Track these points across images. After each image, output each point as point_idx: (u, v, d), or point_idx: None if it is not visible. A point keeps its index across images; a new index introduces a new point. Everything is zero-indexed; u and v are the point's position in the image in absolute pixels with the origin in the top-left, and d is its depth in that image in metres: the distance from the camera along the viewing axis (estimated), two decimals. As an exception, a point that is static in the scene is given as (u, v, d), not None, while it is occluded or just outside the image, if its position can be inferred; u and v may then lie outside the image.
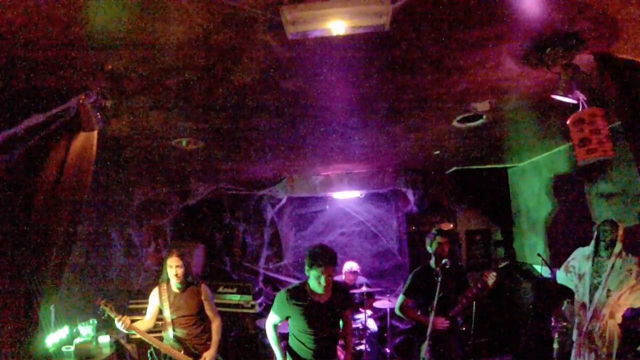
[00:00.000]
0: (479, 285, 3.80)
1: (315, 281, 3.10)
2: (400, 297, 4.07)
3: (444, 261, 3.82)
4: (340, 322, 3.50)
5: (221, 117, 3.09)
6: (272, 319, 3.39)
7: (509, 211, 6.84)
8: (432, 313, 3.60)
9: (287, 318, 3.30)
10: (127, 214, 5.85)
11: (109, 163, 4.69)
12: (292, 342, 3.35)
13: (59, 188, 2.57)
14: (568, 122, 2.54)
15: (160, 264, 6.09)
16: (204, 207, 7.05)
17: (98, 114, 2.51)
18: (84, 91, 2.44)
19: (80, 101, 2.43)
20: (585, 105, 2.53)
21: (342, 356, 4.82)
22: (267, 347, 5.50)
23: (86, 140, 2.62)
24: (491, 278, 3.76)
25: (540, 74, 2.65)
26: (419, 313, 4.03)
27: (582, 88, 2.46)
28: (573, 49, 2.30)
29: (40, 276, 2.50)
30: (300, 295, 3.22)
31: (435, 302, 3.64)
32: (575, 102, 2.51)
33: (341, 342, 3.70)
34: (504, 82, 2.75)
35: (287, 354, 3.36)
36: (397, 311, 4.11)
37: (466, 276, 4.14)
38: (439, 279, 3.76)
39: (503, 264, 3.93)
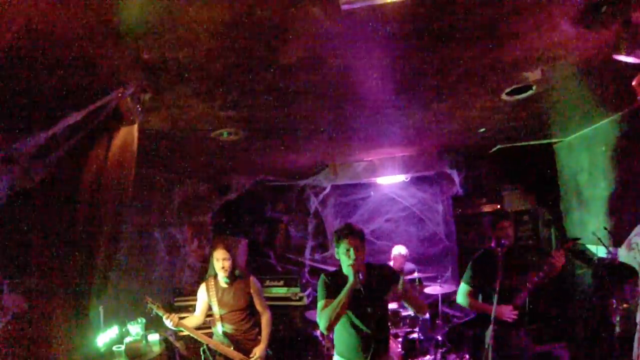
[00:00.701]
0: (545, 268, 3.52)
1: (345, 257, 2.87)
2: (462, 286, 3.87)
3: (502, 241, 3.59)
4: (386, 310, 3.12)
5: (264, 104, 3.00)
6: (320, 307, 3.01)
7: (557, 189, 6.54)
8: (495, 299, 3.41)
9: None
10: (168, 212, 5.86)
11: (148, 161, 4.72)
12: (336, 338, 3.10)
13: (103, 186, 2.56)
14: (634, 82, 2.43)
15: (204, 260, 6.17)
16: (244, 201, 7.06)
17: (138, 106, 2.47)
18: (122, 85, 2.40)
19: (119, 95, 2.39)
20: (652, 64, 2.36)
21: (394, 346, 4.74)
22: (316, 339, 5.46)
23: (127, 135, 2.59)
24: (559, 258, 3.45)
25: (596, 36, 2.45)
26: (481, 301, 3.83)
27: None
28: (630, 5, 2.15)
29: (89, 276, 2.50)
30: (337, 279, 2.95)
31: (497, 289, 3.45)
32: (638, 61, 2.33)
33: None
34: (558, 47, 2.57)
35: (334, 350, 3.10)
36: (459, 300, 3.91)
37: (538, 255, 3.81)
38: (502, 264, 3.58)
39: (572, 243, 3.60)
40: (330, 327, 2.84)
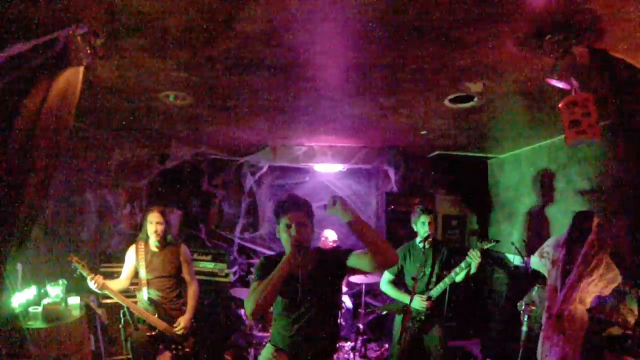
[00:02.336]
0: (462, 265, 3.83)
1: (285, 235, 2.48)
2: (385, 274, 4.13)
3: (427, 234, 3.91)
4: (335, 301, 2.75)
5: (217, 70, 2.98)
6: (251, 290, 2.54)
7: (486, 200, 6.97)
8: (415, 288, 3.66)
9: None
10: (103, 174, 5.65)
11: (88, 117, 4.51)
12: (273, 328, 2.69)
13: (37, 129, 2.34)
14: (560, 104, 2.59)
15: (135, 228, 5.99)
16: (182, 172, 6.93)
17: (87, 48, 2.34)
18: (76, 23, 2.27)
19: (71, 32, 2.27)
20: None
21: None
22: (240, 318, 5.49)
23: (71, 77, 2.42)
24: (475, 258, 3.72)
25: (536, 61, 2.70)
26: (402, 290, 4.11)
27: (576, 76, 2.51)
28: (571, 40, 2.35)
29: (7, 229, 2.30)
30: (277, 263, 2.44)
31: (418, 279, 3.70)
32: (568, 88, 2.57)
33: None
34: (501, 63, 2.78)
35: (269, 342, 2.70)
36: (382, 287, 4.17)
37: (450, 254, 4.13)
38: (426, 257, 3.91)
39: (488, 245, 3.79)
40: (256, 311, 2.35)
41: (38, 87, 2.35)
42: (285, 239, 2.51)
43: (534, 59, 2.67)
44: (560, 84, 2.54)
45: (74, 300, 3.99)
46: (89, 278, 3.47)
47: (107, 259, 5.27)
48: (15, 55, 2.21)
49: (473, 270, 3.78)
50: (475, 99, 3.52)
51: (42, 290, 3.93)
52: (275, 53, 2.66)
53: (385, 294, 4.26)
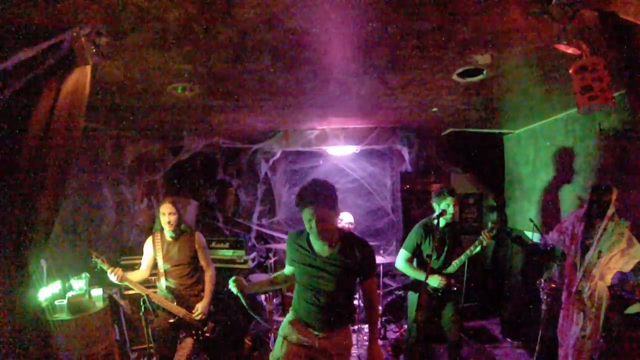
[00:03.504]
0: (475, 244, 4.00)
1: (308, 227, 2.62)
2: (402, 252, 4.15)
3: (448, 217, 4.02)
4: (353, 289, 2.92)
5: (220, 59, 2.99)
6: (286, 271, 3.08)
7: (502, 177, 6.88)
8: (429, 265, 3.68)
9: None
10: (119, 170, 5.77)
11: (100, 116, 4.59)
12: (295, 295, 2.96)
13: (50, 130, 2.43)
14: (570, 70, 2.51)
15: (153, 220, 6.09)
16: (197, 162, 7.00)
17: (92, 48, 2.40)
18: (78, 25, 2.32)
19: (74, 34, 2.32)
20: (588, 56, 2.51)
21: None
22: (259, 303, 5.57)
23: (79, 77, 2.47)
24: (485, 239, 3.94)
25: (544, 27, 2.58)
26: (418, 268, 4.15)
27: (586, 41, 2.43)
28: (578, 3, 2.26)
29: (30, 228, 2.39)
30: (302, 240, 2.80)
31: (434, 258, 3.73)
32: (578, 53, 2.49)
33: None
34: (508, 33, 2.68)
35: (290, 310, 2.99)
36: (397, 264, 4.20)
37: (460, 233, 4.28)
38: (444, 235, 4.04)
39: (492, 226, 4.04)
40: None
41: (48, 91, 2.41)
42: (307, 227, 2.64)
43: (541, 26, 2.57)
44: (569, 50, 2.46)
45: (97, 292, 4.13)
46: (108, 271, 3.62)
47: (127, 252, 5.39)
48: (23, 61, 2.25)
49: (483, 244, 3.97)
50: (485, 72, 3.43)
51: (67, 284, 4.08)
52: (277, 38, 2.65)
53: (401, 272, 4.29)
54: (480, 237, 3.94)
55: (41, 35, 2.31)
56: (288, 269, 3.04)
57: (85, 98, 2.56)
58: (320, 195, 2.56)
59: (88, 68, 2.50)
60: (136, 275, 3.91)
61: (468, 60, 3.18)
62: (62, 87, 2.44)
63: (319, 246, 2.74)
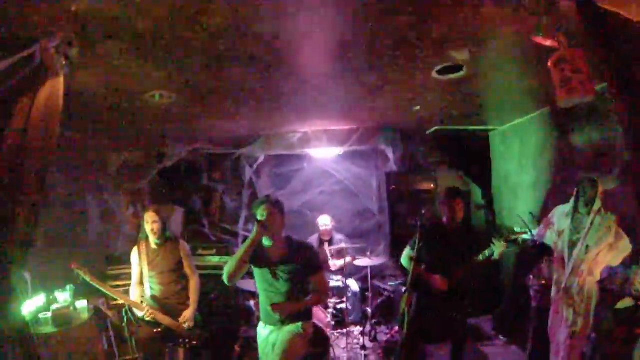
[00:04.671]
0: (486, 253, 3.82)
1: (259, 221, 3.05)
2: (407, 250, 4.04)
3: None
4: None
5: (194, 66, 2.97)
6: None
7: (490, 174, 6.86)
8: (414, 269, 3.66)
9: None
10: (103, 178, 5.71)
11: (80, 124, 4.54)
12: (261, 300, 3.32)
13: (25, 143, 2.41)
14: (549, 63, 2.48)
15: (140, 228, 6.02)
16: (181, 169, 6.94)
17: (62, 59, 2.39)
18: (47, 37, 2.31)
19: (42, 46, 2.30)
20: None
21: (322, 316, 4.87)
22: (248, 309, 5.51)
23: (52, 89, 2.46)
24: (499, 247, 3.75)
25: (520, 20, 2.54)
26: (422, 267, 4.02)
27: (564, 33, 2.40)
28: None
29: (9, 241, 2.37)
30: (258, 249, 3.12)
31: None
32: (556, 45, 2.46)
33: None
34: (484, 27, 2.64)
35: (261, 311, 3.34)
36: (403, 262, 4.12)
37: (476, 240, 4.07)
38: (450, 237, 3.93)
39: (515, 237, 3.97)
40: (231, 277, 3.08)
41: (22, 102, 2.38)
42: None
43: (517, 19, 2.52)
44: (547, 42, 2.43)
45: (82, 304, 4.08)
46: (91, 281, 3.64)
47: (114, 261, 5.31)
48: None
49: (495, 257, 3.80)
50: (464, 69, 3.41)
51: (51, 297, 4.01)
52: (248, 43, 2.63)
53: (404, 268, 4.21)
54: (494, 246, 3.77)
55: (11, 48, 2.29)
56: None
57: (59, 110, 2.54)
58: (271, 199, 3.15)
59: (60, 80, 2.49)
60: (135, 296, 3.91)
61: (446, 57, 3.14)
62: (36, 99, 2.41)
63: (271, 250, 3.15)
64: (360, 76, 3.49)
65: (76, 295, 4.10)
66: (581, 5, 2.29)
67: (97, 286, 3.66)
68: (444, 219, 4.01)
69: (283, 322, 3.16)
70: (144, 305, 3.82)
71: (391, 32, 2.62)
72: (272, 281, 3.13)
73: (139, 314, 3.81)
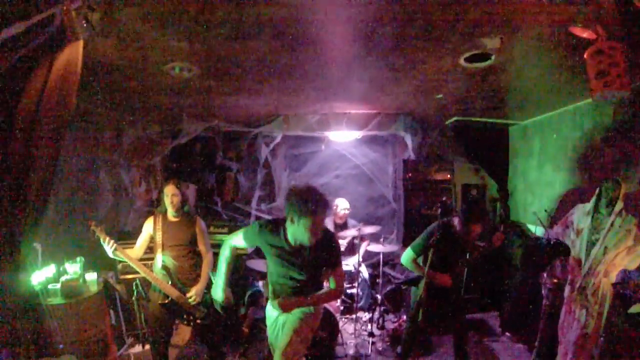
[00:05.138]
0: (485, 245, 3.95)
1: (302, 232, 2.73)
2: (410, 252, 4.02)
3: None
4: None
5: (218, 36, 2.88)
6: (235, 240, 3.16)
7: (506, 169, 6.76)
8: (430, 260, 3.65)
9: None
10: (116, 153, 5.70)
11: (97, 97, 4.50)
12: (271, 282, 3.15)
13: (42, 109, 2.35)
14: (586, 53, 2.42)
15: (151, 204, 6.05)
16: (196, 146, 6.91)
17: (83, 22, 2.30)
18: None
19: (64, 7, 2.22)
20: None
21: (334, 302, 4.86)
22: (258, 289, 5.51)
23: (71, 54, 2.38)
24: (498, 240, 3.87)
25: (557, 10, 2.45)
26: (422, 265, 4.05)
27: (602, 25, 2.32)
28: None
29: (21, 210, 2.34)
30: (277, 235, 2.90)
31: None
32: (593, 37, 2.39)
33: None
34: (519, 14, 2.56)
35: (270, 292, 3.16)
36: (403, 261, 4.11)
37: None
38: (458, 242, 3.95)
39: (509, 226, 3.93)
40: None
41: (40, 67, 2.33)
42: (296, 229, 2.75)
43: (554, 8, 2.44)
44: (584, 34, 2.36)
45: (92, 277, 4.08)
46: (103, 241, 3.60)
47: (124, 237, 5.31)
48: (14, 36, 2.17)
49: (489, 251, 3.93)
50: (493, 57, 3.31)
51: (61, 268, 4.02)
52: (277, 14, 2.54)
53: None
54: (489, 242, 3.89)
55: (32, 10, 2.21)
56: (243, 244, 3.12)
57: (78, 75, 2.46)
58: (319, 210, 2.68)
59: (80, 44, 2.41)
60: (130, 253, 3.85)
61: (476, 44, 3.05)
62: (54, 64, 2.35)
63: (295, 241, 2.86)
64: (388, 57, 3.39)
65: (86, 268, 4.11)
66: (619, 0, 2.24)
67: (110, 248, 3.59)
68: (457, 228, 3.94)
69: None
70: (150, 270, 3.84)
71: (425, 11, 2.53)
72: (288, 267, 2.95)
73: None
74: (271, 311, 3.20)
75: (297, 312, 3.05)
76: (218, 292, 3.19)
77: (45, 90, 2.35)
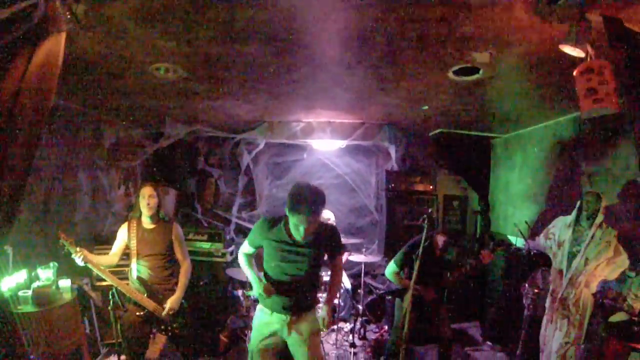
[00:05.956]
0: (473, 264, 4.08)
1: (294, 228, 2.80)
2: (392, 266, 4.17)
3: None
4: (320, 268, 3.29)
5: (207, 38, 2.82)
6: (243, 249, 3.18)
7: (488, 181, 6.84)
8: (415, 271, 3.63)
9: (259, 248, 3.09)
10: (96, 154, 5.54)
11: (78, 95, 4.36)
12: (269, 281, 3.06)
13: (18, 103, 2.23)
14: (575, 72, 2.44)
15: (130, 208, 5.87)
16: (177, 151, 6.81)
17: (68, 13, 2.22)
18: None
19: None
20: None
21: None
22: (236, 297, 5.42)
23: (52, 46, 2.28)
24: (487, 258, 4.02)
25: (547, 28, 2.52)
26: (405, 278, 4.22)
27: (592, 44, 2.35)
28: (586, 5, 2.22)
29: None
30: (278, 229, 2.91)
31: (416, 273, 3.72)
32: (583, 55, 2.41)
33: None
34: (510, 32, 2.61)
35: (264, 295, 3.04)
36: (386, 274, 4.27)
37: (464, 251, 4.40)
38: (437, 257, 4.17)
39: (499, 248, 4.21)
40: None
41: (18, 58, 2.22)
42: (292, 229, 2.82)
43: (545, 27, 2.50)
44: (574, 52, 2.38)
45: (65, 283, 3.89)
46: (73, 254, 3.40)
47: (101, 241, 5.17)
48: None
49: (479, 267, 4.10)
50: (481, 71, 3.35)
51: (33, 274, 3.81)
52: (268, 18, 2.50)
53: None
54: (481, 257, 4.06)
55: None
56: (250, 249, 3.14)
57: (58, 69, 2.36)
58: (315, 206, 2.67)
59: (62, 36, 2.32)
60: (104, 259, 3.69)
61: (466, 58, 3.08)
62: (34, 55, 2.25)
63: (297, 235, 2.85)
64: (377, 68, 3.38)
65: (60, 274, 3.91)
66: (608, 21, 2.30)
67: (80, 260, 3.41)
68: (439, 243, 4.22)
69: (294, 312, 3.01)
70: (125, 283, 3.67)
71: (418, 23, 2.53)
72: (288, 261, 2.91)
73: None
74: (266, 316, 3.08)
75: (311, 322, 3.06)
76: (258, 289, 3.03)
77: (23, 83, 2.23)
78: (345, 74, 3.57)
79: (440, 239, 4.17)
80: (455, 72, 3.41)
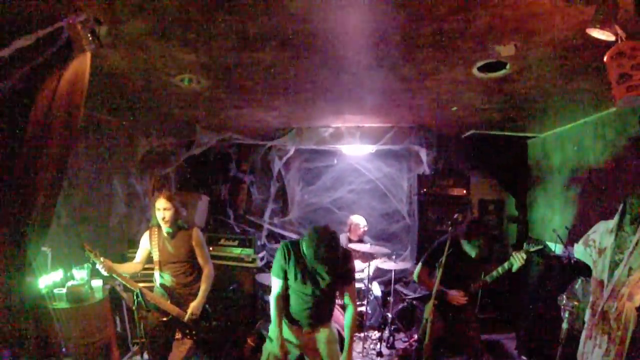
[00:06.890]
0: (505, 266, 3.73)
1: (310, 261, 2.98)
2: (419, 266, 3.96)
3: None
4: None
5: (224, 48, 2.86)
6: (273, 289, 3.19)
7: (525, 184, 6.56)
8: (438, 278, 3.52)
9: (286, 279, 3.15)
10: (130, 162, 5.76)
11: (111, 105, 4.54)
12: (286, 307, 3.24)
13: (50, 118, 2.44)
14: (606, 57, 2.27)
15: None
16: (210, 158, 6.93)
17: (89, 36, 2.36)
18: (75, 12, 2.30)
19: (70, 21, 2.30)
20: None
21: (341, 318, 4.75)
22: (266, 302, 5.43)
23: (79, 66, 2.47)
24: (518, 260, 3.65)
25: (574, 13, 2.35)
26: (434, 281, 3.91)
27: (622, 25, 2.17)
28: None
29: (28, 215, 2.42)
30: (298, 253, 3.09)
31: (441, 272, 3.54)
32: (613, 38, 2.23)
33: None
34: (533, 19, 2.44)
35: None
36: (415, 278, 4.04)
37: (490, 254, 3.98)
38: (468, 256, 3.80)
39: (535, 248, 3.73)
40: None
41: (49, 78, 2.42)
42: (314, 266, 3.00)
43: (570, 10, 2.32)
44: (603, 35, 2.20)
45: (97, 283, 4.11)
46: (98, 264, 3.50)
47: (134, 245, 5.31)
48: (21, 50, 2.29)
49: (514, 270, 3.70)
50: (508, 66, 3.21)
51: (69, 274, 4.06)
52: (280, 24, 2.50)
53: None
54: (512, 259, 3.67)
55: (38, 24, 2.31)
56: (278, 284, 3.16)
57: (85, 86, 2.56)
58: (326, 258, 2.86)
59: (87, 56, 2.50)
60: (128, 268, 3.79)
61: (490, 52, 2.95)
62: (62, 76, 2.44)
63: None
64: (397, 67, 3.31)
65: (93, 275, 4.08)
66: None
67: (105, 272, 3.53)
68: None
69: (314, 326, 3.20)
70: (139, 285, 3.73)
71: (430, 19, 2.45)
72: (305, 284, 3.09)
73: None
74: (286, 328, 3.23)
75: (329, 336, 3.23)
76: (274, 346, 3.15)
77: (54, 101, 2.43)
78: (365, 76, 3.53)
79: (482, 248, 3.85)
80: (481, 69, 3.29)
